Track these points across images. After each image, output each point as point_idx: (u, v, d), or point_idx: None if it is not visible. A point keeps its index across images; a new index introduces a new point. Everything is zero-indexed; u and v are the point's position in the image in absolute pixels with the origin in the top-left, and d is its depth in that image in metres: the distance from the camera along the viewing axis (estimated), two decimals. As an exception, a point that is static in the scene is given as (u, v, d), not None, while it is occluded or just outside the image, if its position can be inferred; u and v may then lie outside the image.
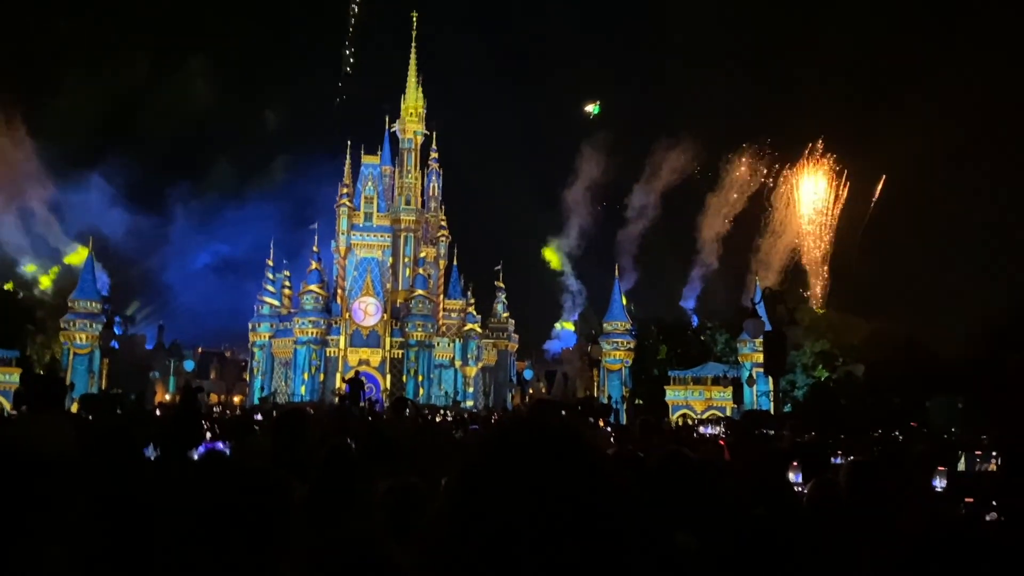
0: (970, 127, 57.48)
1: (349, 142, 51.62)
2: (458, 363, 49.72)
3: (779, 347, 16.70)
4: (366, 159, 51.66)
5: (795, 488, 4.88)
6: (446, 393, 48.43)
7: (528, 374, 57.79)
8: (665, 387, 48.64)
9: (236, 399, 50.89)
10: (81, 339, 45.43)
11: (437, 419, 20.52)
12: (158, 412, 19.08)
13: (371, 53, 77.29)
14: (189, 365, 53.15)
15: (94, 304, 46.49)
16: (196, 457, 5.44)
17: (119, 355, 50.11)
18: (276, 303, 50.91)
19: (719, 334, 53.60)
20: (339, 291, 49.74)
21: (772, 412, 21.22)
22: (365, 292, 48.82)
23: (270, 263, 51.66)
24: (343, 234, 50.35)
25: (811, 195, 68.46)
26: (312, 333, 47.58)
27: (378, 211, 51.02)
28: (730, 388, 43.90)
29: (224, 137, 71.68)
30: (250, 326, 51.12)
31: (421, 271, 50.16)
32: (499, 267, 54.33)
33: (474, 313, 51.09)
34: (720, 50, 68.09)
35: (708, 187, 69.30)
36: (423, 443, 8.33)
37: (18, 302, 49.85)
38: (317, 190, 59.51)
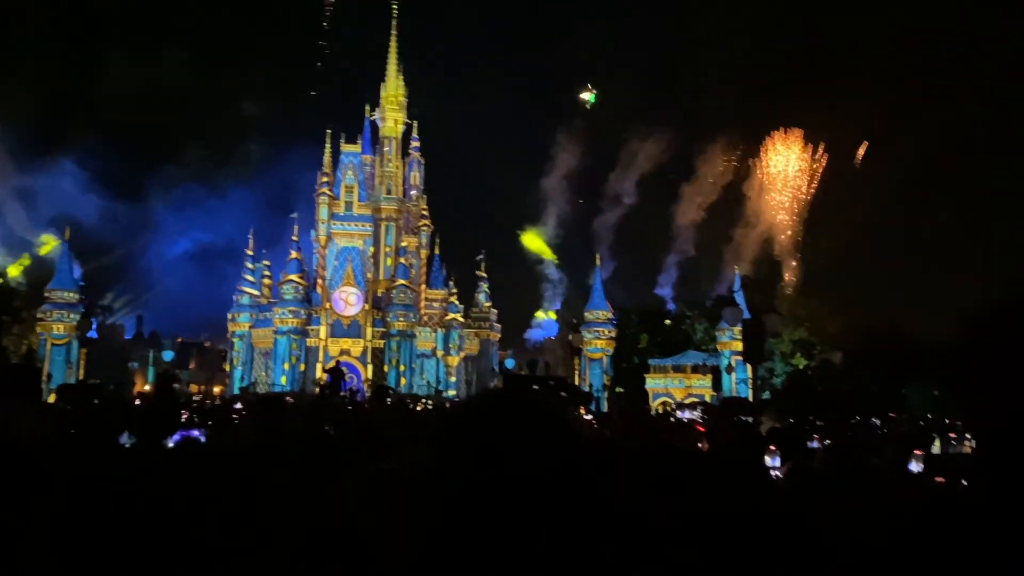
0: (952, 109, 58.13)
1: (329, 131, 51.27)
2: (440, 353, 49.69)
3: (757, 335, 16.83)
4: (346, 148, 51.31)
5: (771, 472, 4.92)
6: (428, 383, 48.39)
7: (510, 363, 57.86)
8: (645, 375, 48.99)
9: (216, 389, 50.60)
10: (58, 329, 44.99)
11: (419, 408, 20.51)
12: (137, 402, 18.93)
13: (351, 41, 76.67)
14: (168, 355, 52.76)
15: (71, 294, 46.03)
16: (171, 444, 5.41)
17: (97, 345, 49.68)
18: (256, 293, 50.57)
19: (699, 323, 53.95)
20: (319, 281, 49.46)
21: (750, 399, 21.38)
22: (346, 282, 48.61)
23: (249, 252, 51.27)
24: (323, 223, 50.02)
25: (783, 180, 68.98)
26: (292, 323, 47.33)
27: (359, 200, 50.75)
28: (709, 376, 44.20)
29: (201, 123, 70.85)
30: (229, 316, 50.77)
31: (403, 261, 49.98)
32: (481, 257, 54.37)
33: (456, 303, 51.05)
34: (696, 40, 68.35)
35: (683, 176, 69.69)
36: (405, 430, 8.33)
37: (-8, 293, 49.21)
38: (297, 177, 58.95)
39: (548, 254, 73.76)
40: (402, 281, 48.72)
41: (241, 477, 2.30)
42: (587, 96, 79.59)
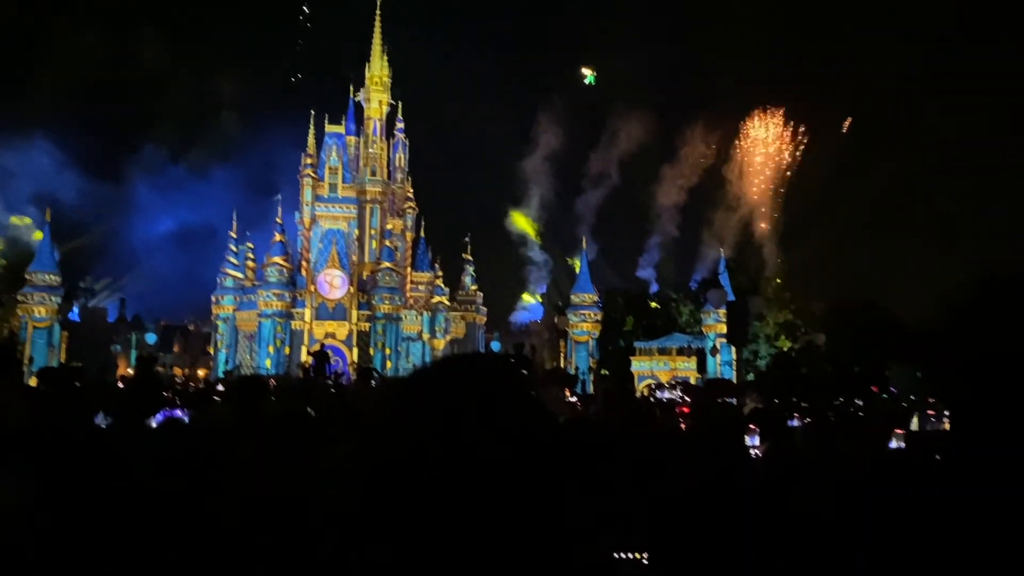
0: (930, 88, 58.42)
1: (313, 111, 50.84)
2: (426, 336, 49.66)
3: (741, 316, 16.92)
4: (330, 128, 50.87)
5: (752, 450, 4.96)
6: (414, 366, 48.11)
7: (496, 346, 57.93)
8: (631, 358, 49.20)
9: (200, 373, 50.38)
10: (40, 312, 44.60)
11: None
12: (120, 385, 18.83)
13: (336, 20, 75.90)
14: (151, 338, 52.44)
15: (52, 277, 45.59)
16: (155, 424, 5.40)
17: (80, 328, 49.32)
18: (240, 275, 50.24)
19: (684, 305, 54.23)
20: (304, 263, 49.20)
21: (735, 381, 21.53)
22: (331, 264, 48.40)
23: (233, 234, 50.90)
24: (307, 205, 49.67)
25: (764, 160, 69.04)
26: (277, 306, 47.11)
27: (343, 182, 50.42)
28: (694, 358, 44.50)
29: (183, 102, 70.02)
30: (213, 299, 50.46)
31: (388, 243, 49.76)
32: (467, 239, 54.26)
33: (442, 286, 50.96)
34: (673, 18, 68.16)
35: (664, 157, 69.60)
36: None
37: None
38: (281, 158, 58.39)
39: (534, 235, 73.78)
40: (387, 264, 48.55)
41: (211, 455, 2.28)
42: (587, 73, 79.53)
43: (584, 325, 50.92)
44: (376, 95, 52.71)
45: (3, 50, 60.28)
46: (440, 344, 50.01)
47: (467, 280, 53.73)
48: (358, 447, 1.10)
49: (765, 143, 69.14)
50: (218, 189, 63.44)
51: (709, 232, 63.96)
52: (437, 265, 51.52)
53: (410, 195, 52.76)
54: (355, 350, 47.32)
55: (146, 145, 68.82)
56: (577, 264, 56.98)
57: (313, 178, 49.78)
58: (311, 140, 50.58)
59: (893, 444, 7.55)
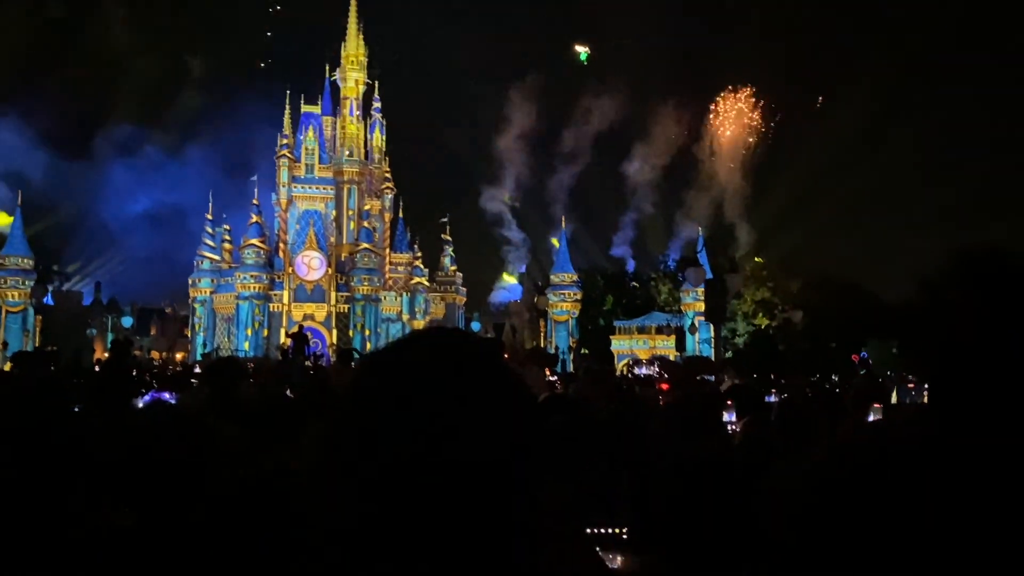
0: (909, 69, 58.75)
1: (288, 91, 50.22)
2: (405, 317, 49.54)
3: (719, 294, 17.02)
4: (306, 108, 50.31)
5: (728, 426, 5.00)
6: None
7: (476, 326, 57.93)
8: (611, 337, 49.44)
9: (178, 356, 50.01)
10: (13, 296, 44.01)
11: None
12: (96, 369, 18.67)
13: (310, -1, 74.82)
14: (127, 321, 51.84)
15: (26, 260, 44.97)
16: (140, 407, 5.36)
17: (54, 312, 48.72)
18: (216, 258, 49.80)
19: (662, 284, 54.50)
20: (281, 245, 48.82)
21: (713, 359, 21.69)
22: (308, 246, 48.07)
23: (209, 216, 50.37)
24: (284, 186, 49.19)
25: (735, 137, 69.27)
26: (254, 288, 46.77)
27: (320, 163, 49.94)
28: (673, 337, 44.73)
29: (157, 81, 68.92)
30: (190, 281, 50.02)
31: (366, 224, 49.46)
32: (446, 219, 54.04)
33: (421, 267, 50.82)
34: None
35: (637, 135, 69.65)
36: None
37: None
38: (257, 138, 57.66)
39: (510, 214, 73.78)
40: (366, 245, 48.29)
41: (184, 437, 2.26)
42: (580, 51, 79.28)
43: (564, 305, 51.03)
44: (352, 74, 52.09)
45: None
46: (420, 325, 49.90)
47: (446, 261, 53.61)
48: (327, 426, 1.08)
49: (738, 122, 69.35)
50: (193, 169, 62.72)
51: (681, 211, 64.35)
52: (416, 246, 51.35)
53: (388, 175, 52.36)
54: (334, 332, 47.14)
55: (119, 124, 67.68)
56: (556, 243, 57.03)
57: (289, 159, 49.27)
58: (287, 120, 49.99)
59: (872, 418, 7.64)
